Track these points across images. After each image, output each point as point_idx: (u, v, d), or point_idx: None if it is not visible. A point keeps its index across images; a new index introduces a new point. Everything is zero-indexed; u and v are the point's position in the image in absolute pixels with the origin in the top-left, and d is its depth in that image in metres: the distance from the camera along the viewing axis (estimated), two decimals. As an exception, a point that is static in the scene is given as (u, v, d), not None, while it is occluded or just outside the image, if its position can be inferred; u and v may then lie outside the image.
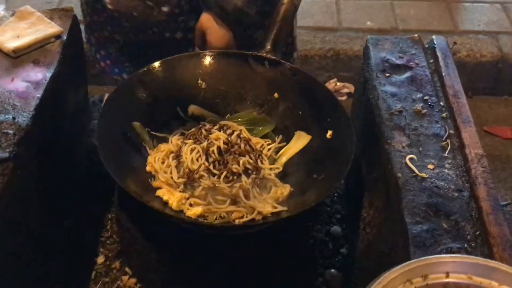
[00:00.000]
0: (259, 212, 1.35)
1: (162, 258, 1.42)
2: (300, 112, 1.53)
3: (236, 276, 1.41)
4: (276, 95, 1.54)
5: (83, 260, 1.53)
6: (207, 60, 1.58)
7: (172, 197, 1.37)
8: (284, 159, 1.48)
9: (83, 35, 1.80)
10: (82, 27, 1.72)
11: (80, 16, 1.69)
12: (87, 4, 1.75)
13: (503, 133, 2.69)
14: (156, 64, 1.54)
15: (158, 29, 1.69)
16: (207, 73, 1.57)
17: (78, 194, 1.63)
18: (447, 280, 0.96)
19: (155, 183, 1.40)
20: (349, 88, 2.87)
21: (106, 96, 1.73)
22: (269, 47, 1.56)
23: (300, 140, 1.50)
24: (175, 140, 1.49)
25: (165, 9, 1.65)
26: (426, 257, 0.97)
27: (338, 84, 2.91)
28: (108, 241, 1.57)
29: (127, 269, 1.51)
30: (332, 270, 1.52)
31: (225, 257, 1.40)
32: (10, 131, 1.31)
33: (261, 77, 1.56)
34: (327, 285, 1.50)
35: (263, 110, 1.57)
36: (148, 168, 1.44)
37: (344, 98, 2.82)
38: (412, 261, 0.96)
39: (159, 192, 1.38)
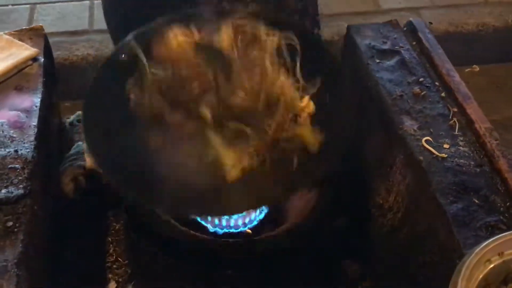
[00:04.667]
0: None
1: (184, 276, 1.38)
2: None
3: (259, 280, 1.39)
4: None
5: (95, 290, 1.46)
6: None
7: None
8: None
9: None
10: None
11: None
12: None
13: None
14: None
15: None
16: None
17: (70, 222, 1.54)
18: (521, 254, 1.00)
19: None
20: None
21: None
22: None
23: None
24: None
25: None
26: (500, 235, 1.00)
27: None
28: (115, 266, 1.50)
29: (142, 290, 1.46)
30: (348, 261, 1.53)
31: (245, 263, 1.38)
32: (17, 165, 1.22)
33: None
34: (346, 276, 1.51)
35: None
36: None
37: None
38: (488, 241, 0.98)
39: None
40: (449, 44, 2.96)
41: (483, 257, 0.97)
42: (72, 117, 1.63)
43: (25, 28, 1.53)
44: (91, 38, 2.78)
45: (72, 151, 1.55)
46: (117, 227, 1.56)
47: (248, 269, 1.37)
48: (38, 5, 2.91)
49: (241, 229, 1.44)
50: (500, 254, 0.99)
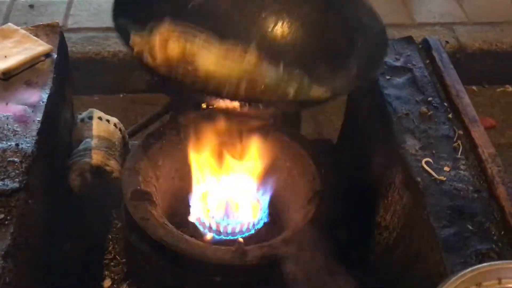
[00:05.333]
0: None
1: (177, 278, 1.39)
2: None
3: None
4: None
5: (89, 285, 1.48)
6: None
7: None
8: None
9: None
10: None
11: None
12: None
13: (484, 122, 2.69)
14: None
15: None
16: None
17: (74, 216, 1.56)
18: (500, 286, 0.97)
19: None
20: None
21: (94, 113, 1.67)
22: None
23: None
24: None
25: None
26: (479, 266, 0.98)
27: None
28: (112, 263, 1.53)
29: (135, 291, 1.47)
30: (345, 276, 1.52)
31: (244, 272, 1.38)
32: (16, 159, 1.24)
33: None
34: (341, 291, 1.49)
35: None
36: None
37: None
38: (466, 271, 0.97)
39: None
40: (482, 62, 2.93)
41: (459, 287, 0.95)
42: (83, 114, 1.65)
43: (42, 24, 1.56)
44: (125, 35, 2.82)
45: (80, 147, 1.57)
46: (118, 225, 1.58)
47: (240, 277, 1.37)
48: (75, 0, 2.96)
49: (237, 236, 1.45)
50: (478, 285, 0.97)
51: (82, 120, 1.64)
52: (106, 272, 1.50)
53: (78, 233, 1.54)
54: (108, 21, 2.98)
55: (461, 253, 1.15)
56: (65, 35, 2.66)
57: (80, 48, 2.67)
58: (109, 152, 1.57)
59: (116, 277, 1.49)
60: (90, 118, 1.64)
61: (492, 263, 0.99)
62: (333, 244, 1.53)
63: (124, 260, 1.52)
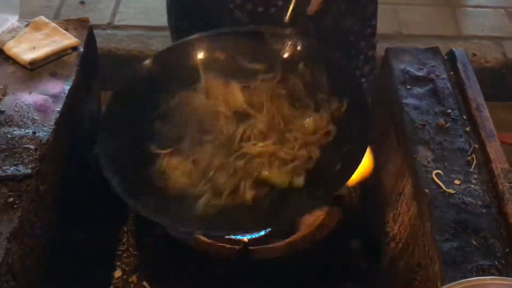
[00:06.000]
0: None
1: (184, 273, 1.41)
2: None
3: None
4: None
5: (99, 274, 1.51)
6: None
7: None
8: None
9: None
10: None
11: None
12: None
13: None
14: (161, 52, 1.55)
15: None
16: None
17: (93, 206, 1.60)
18: (487, 302, 0.96)
19: None
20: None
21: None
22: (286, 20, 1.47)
23: None
24: None
25: None
26: (468, 279, 0.96)
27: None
28: (124, 255, 1.56)
29: (144, 283, 1.50)
30: (349, 282, 1.51)
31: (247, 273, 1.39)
32: (31, 146, 1.29)
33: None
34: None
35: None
36: None
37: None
38: (454, 283, 0.95)
39: None
40: (529, 79, 2.85)
41: (443, 300, 0.94)
42: (109, 108, 1.69)
43: (72, 19, 1.61)
44: (168, 35, 2.87)
45: (103, 139, 1.60)
46: (133, 218, 1.61)
47: (243, 275, 1.38)
48: (125, -2, 3.01)
49: (246, 236, 1.46)
50: (464, 300, 0.95)
51: (107, 113, 1.67)
52: (118, 263, 1.53)
53: (96, 222, 1.57)
54: (154, 20, 3.03)
55: (462, 268, 1.13)
56: (111, 32, 2.75)
57: (125, 45, 2.72)
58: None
59: (127, 268, 1.52)
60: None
61: (480, 277, 0.97)
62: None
63: (136, 252, 1.55)
